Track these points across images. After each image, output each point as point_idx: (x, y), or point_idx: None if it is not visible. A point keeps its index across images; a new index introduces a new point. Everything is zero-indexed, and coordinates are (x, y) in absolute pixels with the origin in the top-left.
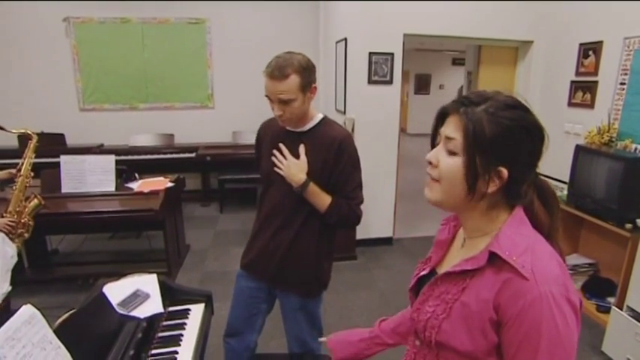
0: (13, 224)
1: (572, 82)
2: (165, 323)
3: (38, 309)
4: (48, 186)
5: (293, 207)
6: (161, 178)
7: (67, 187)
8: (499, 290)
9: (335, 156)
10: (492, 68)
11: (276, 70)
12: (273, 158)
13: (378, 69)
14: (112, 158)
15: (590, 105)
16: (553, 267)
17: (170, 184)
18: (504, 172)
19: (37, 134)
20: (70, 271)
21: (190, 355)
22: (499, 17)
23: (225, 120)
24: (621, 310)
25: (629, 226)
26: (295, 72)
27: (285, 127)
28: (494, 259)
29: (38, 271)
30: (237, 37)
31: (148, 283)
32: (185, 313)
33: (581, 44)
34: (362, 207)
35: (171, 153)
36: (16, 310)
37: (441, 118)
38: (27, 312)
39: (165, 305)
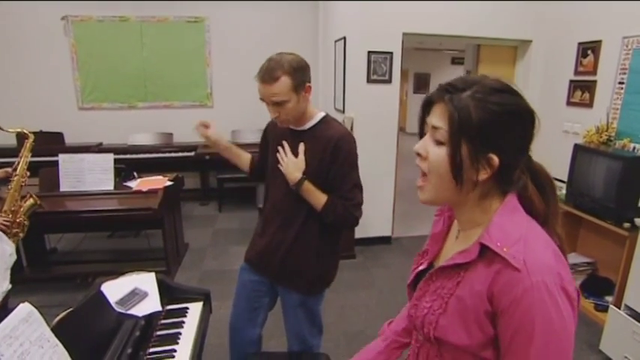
0: (7, 223)
1: (571, 81)
2: (163, 322)
3: (36, 307)
4: (46, 185)
5: (294, 205)
6: (160, 177)
7: (65, 186)
8: (492, 282)
9: (331, 155)
10: (491, 67)
11: (266, 74)
12: (277, 155)
13: (377, 68)
14: (111, 157)
15: (589, 104)
16: (547, 256)
17: (169, 183)
18: (495, 159)
19: (36, 133)
20: (68, 270)
21: (188, 353)
22: (498, 16)
23: (224, 119)
24: (619, 308)
25: (627, 225)
26: (285, 73)
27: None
28: (486, 251)
29: (37, 269)
30: (236, 36)
31: (146, 281)
32: (183, 312)
33: (579, 43)
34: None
35: (170, 152)
36: (13, 309)
37: (427, 107)
38: (24, 310)
39: (163, 304)
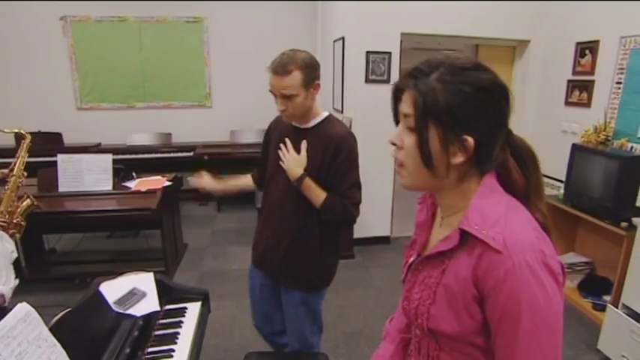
0: (4, 224)
1: (569, 81)
2: (161, 321)
3: (35, 308)
4: (45, 185)
5: (295, 202)
6: (158, 177)
7: (64, 187)
8: (475, 266)
9: (332, 153)
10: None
11: (280, 66)
12: (279, 152)
13: (376, 68)
14: (110, 157)
15: (587, 104)
16: (527, 233)
17: (167, 183)
18: (470, 140)
19: (34, 133)
20: (67, 270)
21: (186, 353)
22: (496, 16)
23: (223, 119)
24: (617, 308)
25: (624, 224)
26: (298, 68)
27: (290, 123)
28: (467, 236)
29: (35, 270)
30: (234, 36)
31: (144, 281)
32: (182, 312)
33: (577, 43)
34: (360, 207)
35: (169, 152)
36: (11, 308)
37: (397, 95)
38: (22, 310)
39: (161, 303)
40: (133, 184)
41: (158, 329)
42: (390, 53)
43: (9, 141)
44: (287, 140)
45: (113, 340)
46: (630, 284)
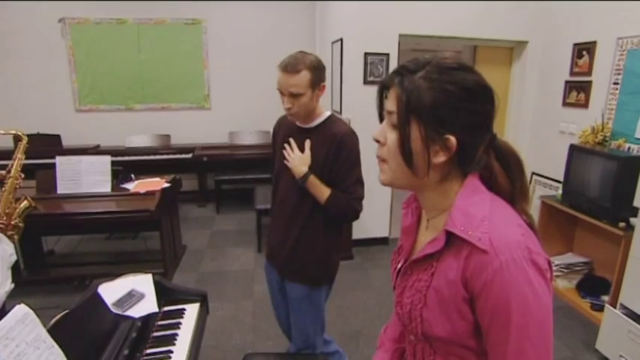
0: (2, 226)
1: (567, 81)
2: (160, 323)
3: (33, 310)
4: (43, 187)
5: (299, 199)
6: (157, 179)
7: (62, 188)
8: (464, 267)
9: (335, 151)
10: (488, 68)
11: (290, 65)
12: (284, 151)
13: (374, 69)
14: (108, 159)
15: (585, 105)
16: (512, 231)
17: (166, 185)
18: (452, 139)
19: (33, 135)
20: (65, 272)
21: (185, 354)
22: (494, 18)
23: (222, 121)
24: (615, 308)
25: (622, 224)
26: (307, 68)
27: (295, 122)
28: (453, 237)
29: (34, 272)
30: (233, 38)
31: (143, 283)
32: (180, 313)
33: (575, 44)
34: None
35: (168, 154)
36: (10, 310)
37: (383, 92)
38: (20, 311)
39: (160, 305)
40: (131, 186)
41: (156, 330)
42: (388, 54)
43: (7, 143)
44: (291, 140)
45: (111, 342)
46: (628, 284)
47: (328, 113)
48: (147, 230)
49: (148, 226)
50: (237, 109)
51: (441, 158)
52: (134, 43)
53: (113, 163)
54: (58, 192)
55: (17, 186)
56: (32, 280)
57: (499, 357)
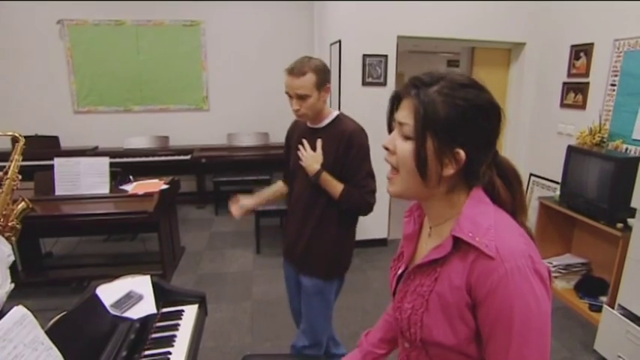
0: None
1: (564, 83)
2: (158, 324)
3: (31, 311)
4: (41, 189)
5: (313, 197)
6: (156, 181)
7: (61, 190)
8: (469, 273)
9: (345, 148)
10: (486, 70)
11: (295, 68)
12: (297, 152)
13: (372, 71)
14: (107, 160)
15: (582, 106)
16: (517, 241)
17: (165, 186)
18: (462, 153)
19: (31, 137)
20: (63, 274)
21: (183, 356)
22: (492, 19)
23: (220, 122)
24: (613, 308)
25: (620, 225)
26: (312, 71)
27: (306, 124)
28: (459, 244)
29: (32, 274)
30: (232, 40)
31: (141, 284)
32: (179, 315)
33: (572, 46)
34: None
35: (166, 155)
36: (7, 312)
37: (395, 102)
38: (18, 313)
39: (158, 306)
40: (130, 188)
41: (155, 332)
42: (386, 56)
43: (5, 144)
44: (304, 141)
45: (110, 343)
46: (626, 285)
47: (336, 113)
48: (145, 232)
49: (147, 228)
50: (235, 111)
51: (449, 171)
52: (132, 44)
53: (111, 164)
54: (56, 193)
55: (14, 187)
56: (30, 281)
57: None
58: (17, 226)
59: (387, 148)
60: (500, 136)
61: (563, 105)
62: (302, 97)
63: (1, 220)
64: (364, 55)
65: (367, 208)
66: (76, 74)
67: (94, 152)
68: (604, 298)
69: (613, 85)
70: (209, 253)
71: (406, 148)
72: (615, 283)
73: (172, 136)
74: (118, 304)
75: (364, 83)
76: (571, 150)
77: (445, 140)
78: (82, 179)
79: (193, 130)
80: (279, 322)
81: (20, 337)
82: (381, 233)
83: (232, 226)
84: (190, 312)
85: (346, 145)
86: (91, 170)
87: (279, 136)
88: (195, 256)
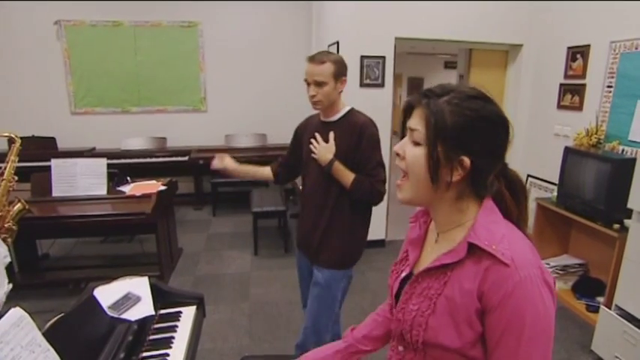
0: None
1: (561, 84)
2: (156, 326)
3: (27, 313)
4: (38, 190)
5: (326, 188)
6: (153, 182)
7: (57, 191)
8: (482, 279)
9: (357, 139)
10: (483, 71)
11: (316, 57)
12: (310, 146)
13: (370, 72)
14: (104, 162)
15: (579, 107)
16: (527, 251)
17: (162, 188)
18: (467, 161)
19: (28, 138)
20: (60, 276)
21: (181, 357)
22: (489, 21)
23: (218, 123)
24: (610, 309)
25: (616, 226)
26: (330, 61)
27: (319, 119)
28: (472, 250)
29: (28, 275)
30: (229, 41)
31: (139, 285)
32: (177, 316)
33: (569, 48)
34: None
35: (164, 156)
36: (4, 314)
37: (408, 111)
38: (15, 314)
39: (156, 308)
40: (127, 189)
41: (153, 334)
42: (384, 57)
43: (2, 145)
44: (316, 134)
45: (107, 345)
46: (623, 286)
47: (348, 107)
48: (143, 233)
49: (144, 229)
50: (233, 112)
51: (456, 177)
52: (130, 45)
53: (109, 165)
54: (53, 195)
55: (10, 188)
56: (26, 283)
57: None
58: (13, 227)
59: (397, 154)
60: (508, 148)
61: (560, 106)
62: (319, 85)
63: None
64: (362, 57)
65: (378, 196)
66: (74, 75)
67: (92, 153)
68: (601, 299)
69: (609, 86)
70: (207, 254)
71: (416, 153)
72: (612, 283)
73: (170, 138)
74: (115, 306)
75: (362, 84)
76: (568, 151)
77: (452, 147)
78: (79, 180)
79: (191, 132)
80: (277, 324)
81: (17, 339)
82: (379, 234)
83: (230, 227)
84: (188, 313)
85: (358, 137)
86: (88, 171)
87: (276, 137)
88: (193, 258)
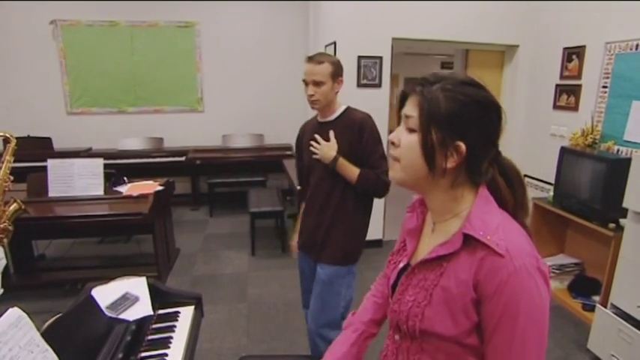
0: None
1: (557, 85)
2: (154, 326)
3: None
4: (34, 190)
5: (330, 186)
6: (150, 182)
7: (54, 191)
8: (477, 269)
9: (357, 134)
10: (480, 72)
11: (315, 57)
12: (311, 148)
13: (367, 72)
14: (101, 162)
15: (575, 108)
16: (522, 241)
17: (159, 188)
18: (462, 146)
19: (24, 138)
20: (57, 277)
21: (180, 357)
22: (486, 22)
23: (215, 123)
24: (606, 308)
25: (612, 225)
26: (328, 62)
27: (316, 121)
28: (468, 240)
29: (24, 276)
30: (226, 41)
31: (137, 285)
32: (175, 316)
33: (565, 48)
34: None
35: (161, 157)
36: (2, 314)
37: (403, 100)
38: (14, 315)
39: (154, 308)
40: (124, 189)
41: (151, 334)
42: (381, 58)
43: None
44: (316, 136)
45: (106, 345)
46: (618, 284)
47: (345, 106)
48: (140, 233)
49: (141, 230)
50: (230, 112)
51: (451, 163)
52: (127, 45)
53: (106, 166)
54: (50, 195)
55: (6, 189)
56: (22, 284)
57: (503, 355)
58: (9, 227)
59: (392, 142)
60: (501, 135)
61: (556, 107)
62: (318, 84)
63: None
64: (359, 57)
65: (383, 187)
66: (70, 75)
67: (88, 153)
68: (597, 298)
69: (605, 87)
70: (204, 254)
71: (410, 139)
72: (608, 282)
73: (167, 138)
74: (113, 306)
75: (359, 85)
76: (564, 151)
77: (447, 132)
78: (76, 181)
79: (188, 132)
80: (274, 324)
81: (16, 340)
82: (376, 235)
83: (227, 227)
84: (186, 313)
85: (359, 132)
86: (84, 172)
87: (273, 138)
88: (190, 258)
